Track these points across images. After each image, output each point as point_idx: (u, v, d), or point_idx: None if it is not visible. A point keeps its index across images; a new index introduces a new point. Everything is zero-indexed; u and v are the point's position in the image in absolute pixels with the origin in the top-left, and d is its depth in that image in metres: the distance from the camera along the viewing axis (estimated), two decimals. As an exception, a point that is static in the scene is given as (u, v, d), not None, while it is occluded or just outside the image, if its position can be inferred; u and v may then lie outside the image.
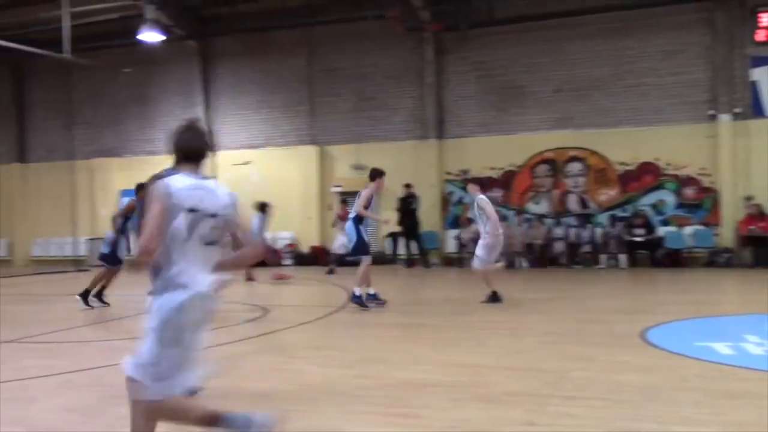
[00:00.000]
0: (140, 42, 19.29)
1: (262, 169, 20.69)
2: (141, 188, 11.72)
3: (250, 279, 15.31)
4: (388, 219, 13.41)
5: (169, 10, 19.28)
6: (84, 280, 15.57)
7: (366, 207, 10.64)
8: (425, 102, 19.39)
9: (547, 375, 6.10)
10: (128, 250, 11.46)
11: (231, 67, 21.29)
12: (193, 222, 3.63)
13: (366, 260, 10.45)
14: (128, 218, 11.62)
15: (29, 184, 23.27)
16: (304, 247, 20.12)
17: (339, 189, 19.77)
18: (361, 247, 10.53)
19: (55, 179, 22.68)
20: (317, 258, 19.38)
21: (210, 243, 3.72)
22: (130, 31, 19.67)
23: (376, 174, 10.93)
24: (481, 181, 12.25)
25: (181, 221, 3.60)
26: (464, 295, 12.90)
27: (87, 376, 6.70)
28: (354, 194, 11.86)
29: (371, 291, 10.66)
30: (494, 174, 19.03)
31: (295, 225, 20.26)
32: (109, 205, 21.95)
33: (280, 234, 20.28)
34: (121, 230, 11.60)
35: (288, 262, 19.65)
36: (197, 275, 3.62)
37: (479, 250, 10.82)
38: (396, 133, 19.76)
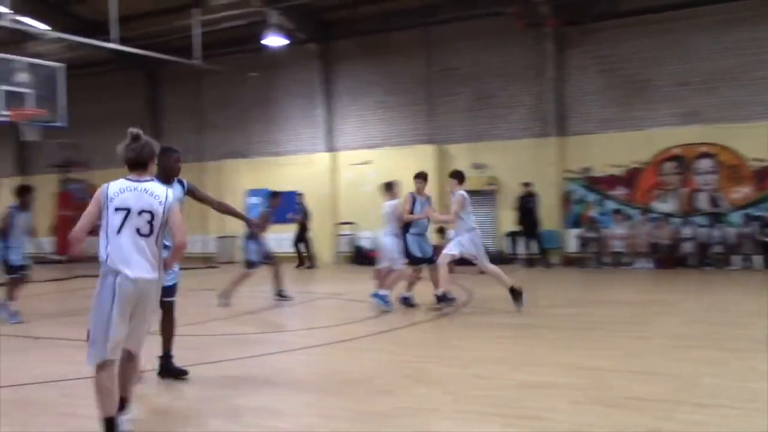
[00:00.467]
0: (265, 47, 19.97)
1: (380, 169, 20.91)
2: (275, 195, 12.40)
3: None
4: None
5: (292, 15, 19.85)
6: (214, 276, 16.31)
7: (411, 212, 11.02)
8: (545, 99, 19.04)
9: (674, 380, 5.88)
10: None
11: (350, 68, 21.67)
12: (124, 218, 4.40)
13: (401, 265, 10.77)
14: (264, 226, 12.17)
15: (163, 184, 24.58)
16: (423, 246, 20.21)
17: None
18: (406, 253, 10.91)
19: (186, 180, 23.83)
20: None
21: (145, 235, 4.44)
22: (255, 37, 20.42)
23: (419, 176, 11.52)
24: (461, 174, 11.45)
25: (111, 217, 4.41)
26: (584, 296, 12.61)
27: (216, 369, 7.02)
28: (473, 194, 11.86)
29: (405, 294, 10.94)
30: (617, 171, 18.43)
31: (413, 224, 20.39)
32: (236, 204, 22.84)
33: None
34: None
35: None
36: (129, 261, 4.35)
37: (449, 246, 10.69)
38: (515, 131, 19.51)
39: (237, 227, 23.18)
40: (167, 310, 6.43)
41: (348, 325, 9.54)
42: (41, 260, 19.47)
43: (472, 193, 19.30)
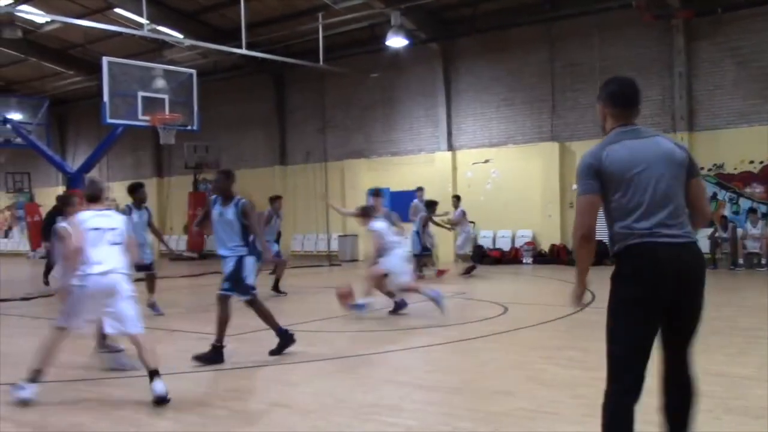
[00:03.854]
0: (386, 47, 20.23)
1: (501, 167, 20.75)
2: (276, 199, 13.51)
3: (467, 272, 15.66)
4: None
5: (413, 15, 19.99)
6: (336, 274, 16.69)
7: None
8: (674, 93, 18.25)
9: (819, 392, 5.51)
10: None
11: (472, 66, 21.57)
12: (98, 235, 5.88)
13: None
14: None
15: (288, 184, 25.32)
16: (544, 246, 19.86)
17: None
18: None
19: (310, 179, 24.48)
20: (557, 256, 19.05)
21: (115, 243, 5.96)
22: (376, 38, 20.72)
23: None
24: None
25: (90, 236, 5.84)
26: (718, 300, 12.01)
27: (340, 364, 7.20)
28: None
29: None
30: (753, 168, 17.43)
31: (534, 223, 20.08)
32: (358, 203, 23.25)
33: (519, 232, 20.23)
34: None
35: (527, 260, 19.52)
36: (104, 263, 5.80)
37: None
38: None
39: (355, 227, 23.69)
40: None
41: (468, 324, 9.54)
42: (176, 257, 20.56)
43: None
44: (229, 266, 7.34)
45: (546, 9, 19.42)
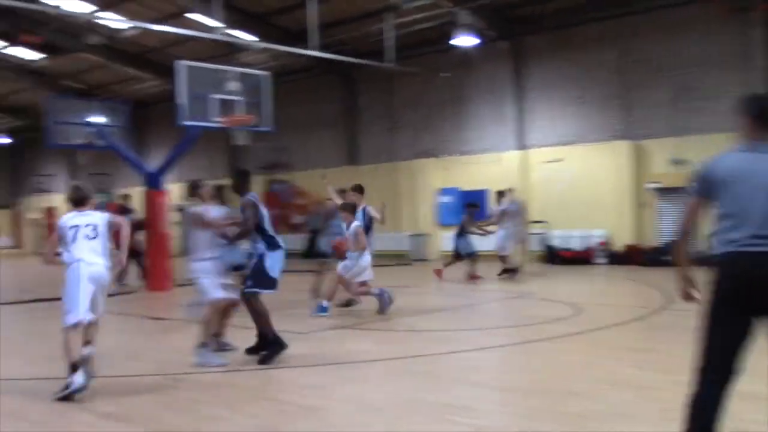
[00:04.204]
0: (455, 46, 20.16)
1: (572, 166, 20.42)
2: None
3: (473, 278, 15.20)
4: None
5: (482, 13, 19.86)
6: (407, 273, 16.75)
7: None
8: (753, 89, 17.60)
9: None
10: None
11: (541, 64, 21.31)
12: (76, 231, 6.38)
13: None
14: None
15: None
16: (618, 246, 19.46)
17: (655, 185, 18.77)
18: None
19: (380, 179, 24.59)
20: (631, 256, 18.64)
21: (92, 238, 6.41)
22: (445, 37, 20.66)
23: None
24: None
25: (69, 233, 6.36)
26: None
27: (413, 363, 7.24)
28: (672, 191, 11.26)
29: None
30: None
31: (607, 222, 19.68)
32: (427, 203, 23.29)
33: (591, 231, 19.89)
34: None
35: (601, 260, 19.16)
36: (83, 256, 6.27)
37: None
38: (719, 124, 18.12)
39: (427, 226, 23.61)
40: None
41: (541, 324, 9.45)
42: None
43: (670, 190, 18.41)
44: (252, 263, 7.56)
45: (617, 4, 19.03)
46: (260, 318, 7.36)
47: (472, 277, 15.05)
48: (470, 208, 15.96)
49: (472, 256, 15.15)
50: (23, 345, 9.20)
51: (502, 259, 15.34)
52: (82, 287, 6.20)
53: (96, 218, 6.60)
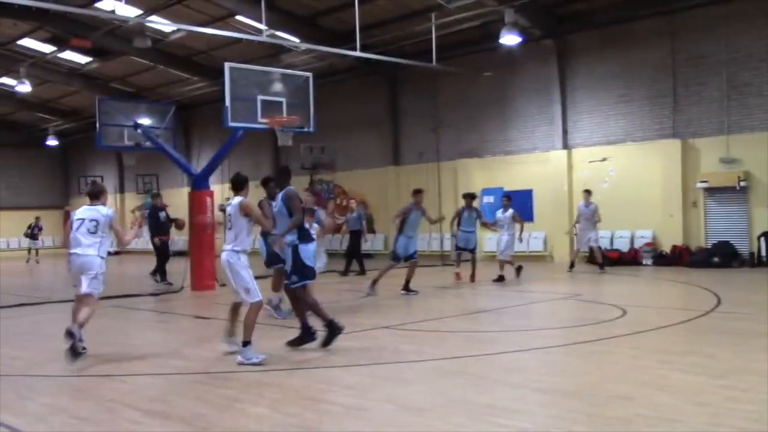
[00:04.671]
0: (499, 45, 19.99)
1: (619, 165, 20.10)
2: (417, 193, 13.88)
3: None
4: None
5: (527, 12, 19.66)
6: (448, 274, 16.66)
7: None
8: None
9: None
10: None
11: (587, 62, 21.01)
12: (81, 223, 7.66)
13: None
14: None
15: (401, 184, 25.48)
16: (665, 246, 19.09)
17: (705, 185, 18.36)
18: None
19: (423, 179, 24.54)
20: (679, 258, 18.27)
21: (93, 232, 7.64)
22: (489, 36, 20.53)
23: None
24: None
25: (76, 224, 7.69)
26: None
27: (454, 364, 7.20)
28: (721, 190, 11.02)
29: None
30: None
31: (655, 223, 19.33)
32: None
33: (638, 232, 19.55)
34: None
35: (647, 261, 18.82)
36: (81, 246, 7.62)
37: None
38: (773, 122, 17.74)
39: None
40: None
41: (585, 326, 9.32)
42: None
43: (720, 189, 18.04)
44: (288, 257, 8.04)
45: (666, 1, 18.67)
46: (312, 307, 7.94)
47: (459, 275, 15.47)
48: (468, 199, 15.73)
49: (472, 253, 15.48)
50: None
51: (501, 264, 15.38)
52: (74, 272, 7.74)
53: (99, 213, 7.69)
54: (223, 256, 7.44)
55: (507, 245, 15.65)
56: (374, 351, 7.86)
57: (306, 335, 7.84)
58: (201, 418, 5.40)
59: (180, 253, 15.16)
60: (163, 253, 16.85)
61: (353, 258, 18.55)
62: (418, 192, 13.76)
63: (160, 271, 16.80)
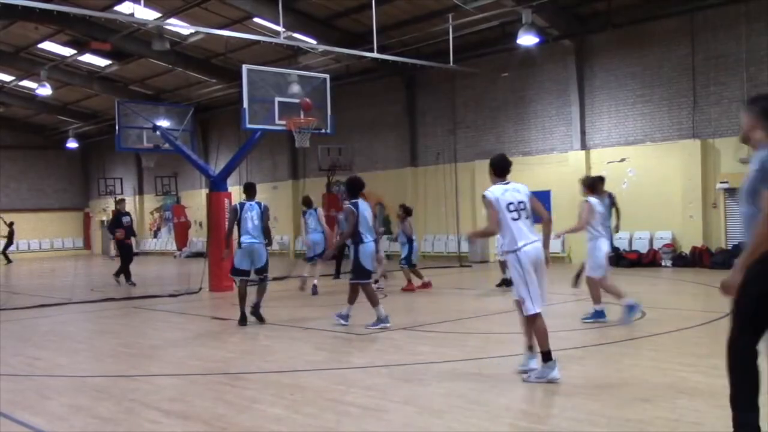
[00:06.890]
0: (517, 46, 19.93)
1: (638, 166, 19.97)
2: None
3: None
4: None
5: (545, 12, 19.58)
6: (467, 275, 16.66)
7: None
8: (832, 84, 16.92)
9: None
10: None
11: (606, 62, 20.90)
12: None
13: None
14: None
15: (419, 185, 25.50)
16: (685, 248, 18.94)
17: (725, 185, 18.19)
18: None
19: (440, 181, 24.55)
20: (699, 259, 18.12)
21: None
22: (507, 37, 20.48)
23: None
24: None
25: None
26: None
27: (472, 366, 7.18)
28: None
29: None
30: None
31: (674, 224, 19.19)
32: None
33: (657, 233, 19.41)
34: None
35: (666, 263, 18.69)
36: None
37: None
38: (795, 122, 17.54)
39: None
40: None
41: (604, 328, 9.26)
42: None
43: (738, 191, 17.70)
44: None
45: (686, 0, 18.53)
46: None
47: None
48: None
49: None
50: (91, 343, 9.48)
51: (503, 266, 15.03)
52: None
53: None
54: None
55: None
56: (393, 352, 7.86)
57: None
58: (220, 419, 5.43)
59: (198, 254, 15.19)
60: (127, 255, 17.63)
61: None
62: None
63: (124, 272, 17.59)
